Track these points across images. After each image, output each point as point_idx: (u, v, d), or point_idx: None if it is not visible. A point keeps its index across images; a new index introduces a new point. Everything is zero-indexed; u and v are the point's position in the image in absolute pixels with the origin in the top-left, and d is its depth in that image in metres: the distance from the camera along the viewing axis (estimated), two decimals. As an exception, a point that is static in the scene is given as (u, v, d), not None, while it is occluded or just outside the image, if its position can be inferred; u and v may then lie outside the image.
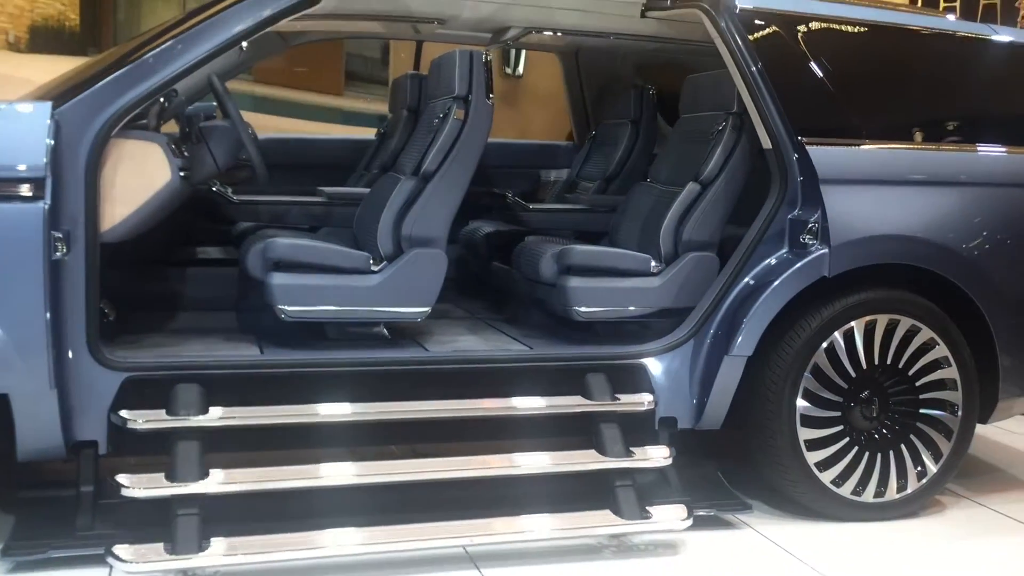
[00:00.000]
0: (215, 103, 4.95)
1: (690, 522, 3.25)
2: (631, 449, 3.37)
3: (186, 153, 3.32)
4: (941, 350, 3.63)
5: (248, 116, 7.61)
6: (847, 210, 3.51)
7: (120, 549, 2.80)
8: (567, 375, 3.47)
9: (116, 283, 3.54)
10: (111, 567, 2.83)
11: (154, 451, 3.02)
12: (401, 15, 3.93)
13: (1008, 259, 3.70)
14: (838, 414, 3.56)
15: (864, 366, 3.56)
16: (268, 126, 7.43)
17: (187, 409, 3.00)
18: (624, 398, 3.45)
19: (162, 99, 3.26)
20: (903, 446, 3.63)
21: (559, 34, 4.47)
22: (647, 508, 3.27)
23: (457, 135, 3.47)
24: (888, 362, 3.59)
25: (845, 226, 3.49)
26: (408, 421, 3.26)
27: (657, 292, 3.69)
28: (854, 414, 3.58)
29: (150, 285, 3.81)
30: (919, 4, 7.97)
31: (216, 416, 3.02)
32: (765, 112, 3.53)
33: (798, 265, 3.48)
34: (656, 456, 3.40)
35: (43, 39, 7.36)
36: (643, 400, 3.47)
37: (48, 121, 2.81)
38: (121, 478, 2.88)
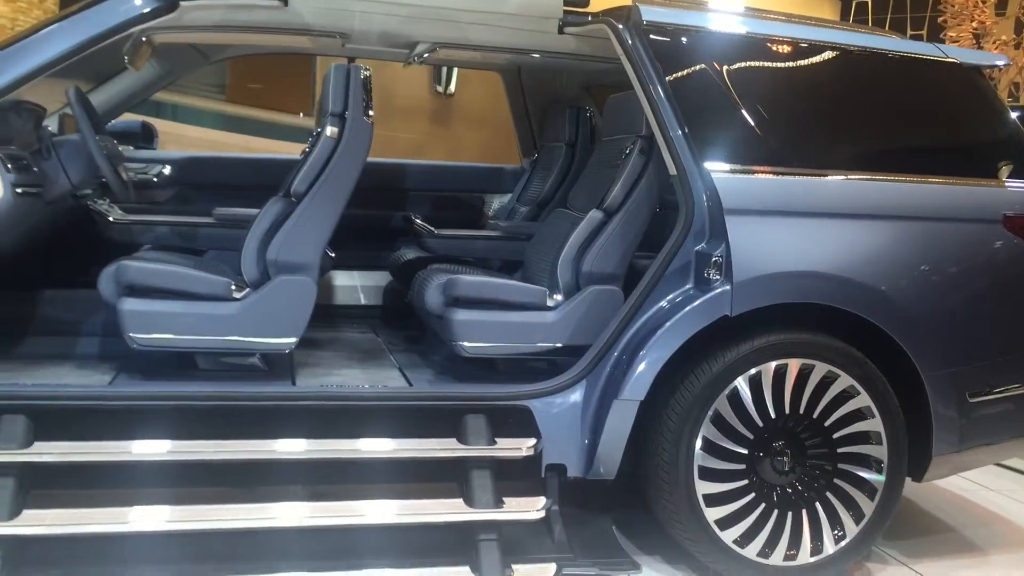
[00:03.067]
0: (142, 118, 4.80)
1: (556, 583, 2.95)
2: (503, 499, 3.08)
3: (35, 169, 3.13)
4: (863, 399, 3.28)
5: (217, 134, 7.53)
6: (752, 243, 3.19)
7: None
8: (446, 416, 3.19)
9: None
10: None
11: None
12: (299, 28, 3.72)
13: (936, 299, 3.35)
14: (742, 467, 3.23)
15: (773, 416, 3.23)
16: (237, 144, 7.33)
17: (6, 443, 2.78)
18: (502, 442, 3.16)
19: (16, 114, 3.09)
20: (819, 505, 3.29)
21: (481, 51, 4.22)
22: (512, 566, 2.98)
23: (329, 155, 3.25)
24: (802, 412, 3.26)
25: (749, 261, 3.18)
26: (251, 462, 3.00)
27: (552, 328, 3.41)
28: (763, 468, 3.25)
29: (16, 308, 3.62)
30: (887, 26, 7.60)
31: (36, 451, 2.80)
32: (669, 135, 3.25)
33: (697, 303, 3.17)
34: (529, 507, 3.11)
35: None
36: (522, 445, 3.17)
37: None
38: (-78, 515, 2.68)
